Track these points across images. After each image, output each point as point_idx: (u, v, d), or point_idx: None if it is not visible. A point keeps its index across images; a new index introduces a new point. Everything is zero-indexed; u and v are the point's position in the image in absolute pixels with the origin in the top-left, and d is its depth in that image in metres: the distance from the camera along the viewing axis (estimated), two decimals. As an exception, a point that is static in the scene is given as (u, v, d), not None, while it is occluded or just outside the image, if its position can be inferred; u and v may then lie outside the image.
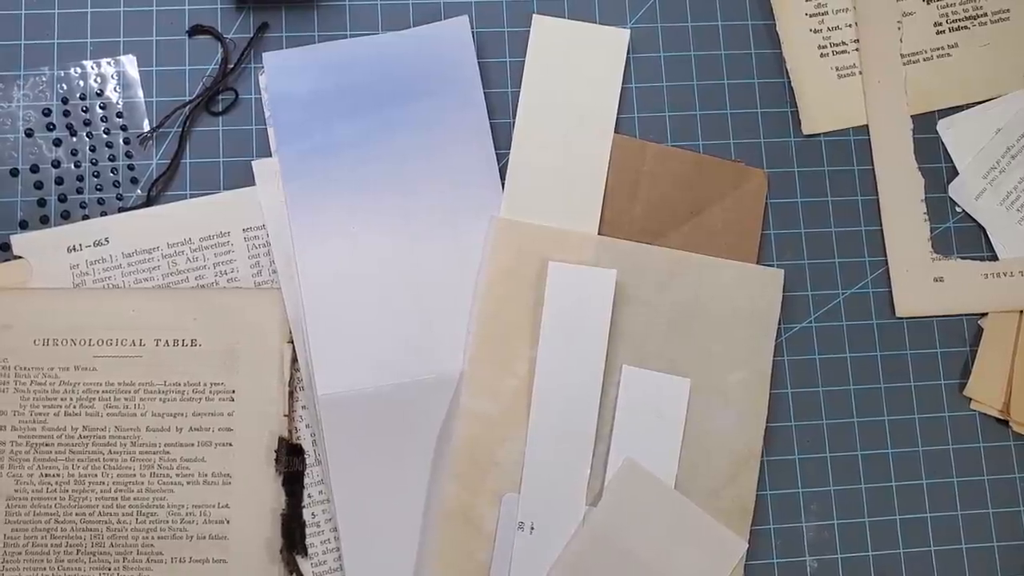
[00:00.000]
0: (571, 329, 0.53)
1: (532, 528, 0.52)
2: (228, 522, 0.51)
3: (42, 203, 0.55)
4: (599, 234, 0.55)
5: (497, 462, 0.52)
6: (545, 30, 0.57)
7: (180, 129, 0.56)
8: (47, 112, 0.55)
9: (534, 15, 0.58)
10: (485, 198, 0.55)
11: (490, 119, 0.56)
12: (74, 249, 0.53)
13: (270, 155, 0.55)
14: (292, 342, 0.53)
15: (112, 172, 0.55)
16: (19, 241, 0.54)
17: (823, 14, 0.60)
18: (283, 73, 0.56)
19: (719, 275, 0.55)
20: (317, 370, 0.52)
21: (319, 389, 0.52)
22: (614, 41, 0.58)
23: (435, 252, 0.54)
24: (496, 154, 0.56)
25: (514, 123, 0.56)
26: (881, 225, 0.58)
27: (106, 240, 0.54)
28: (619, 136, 0.57)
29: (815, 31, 0.59)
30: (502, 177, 0.56)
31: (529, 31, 0.58)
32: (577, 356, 0.53)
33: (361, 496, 0.52)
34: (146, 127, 0.56)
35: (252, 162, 0.55)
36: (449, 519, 0.51)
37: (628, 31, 0.58)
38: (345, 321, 0.53)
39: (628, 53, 0.58)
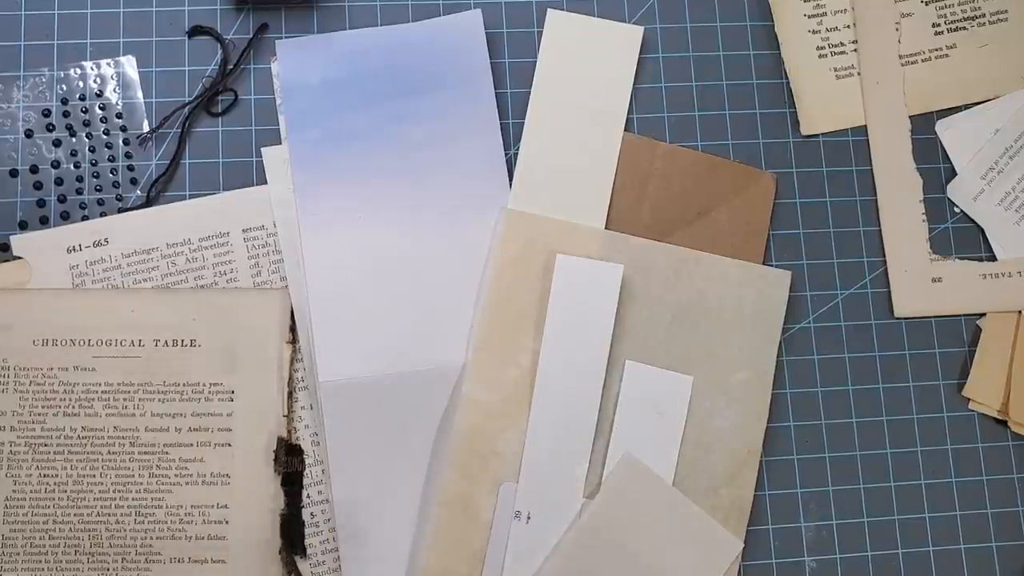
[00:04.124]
0: (576, 322, 0.53)
1: (528, 518, 0.52)
2: (227, 522, 0.51)
3: (42, 203, 0.55)
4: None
5: (497, 451, 0.52)
6: (559, 24, 0.58)
7: (179, 130, 0.56)
8: (47, 113, 0.55)
9: (549, 10, 0.58)
10: (491, 191, 0.55)
11: (490, 117, 0.56)
12: (74, 249, 0.53)
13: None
14: (292, 342, 0.53)
15: (112, 173, 0.55)
16: (19, 241, 0.54)
17: (822, 15, 0.60)
18: (296, 61, 0.56)
19: (726, 274, 0.55)
20: (319, 357, 0.52)
21: (320, 376, 0.52)
22: (628, 37, 0.58)
23: (440, 244, 0.54)
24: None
25: (513, 123, 0.57)
26: (880, 226, 0.58)
27: (105, 240, 0.54)
28: (629, 134, 0.57)
29: (814, 32, 0.60)
30: (509, 171, 0.56)
31: (528, 31, 0.58)
32: (580, 349, 0.53)
33: (360, 482, 0.52)
34: (146, 128, 0.56)
35: (262, 148, 0.55)
36: (447, 506, 0.52)
37: (642, 28, 0.58)
38: (349, 308, 0.53)
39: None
